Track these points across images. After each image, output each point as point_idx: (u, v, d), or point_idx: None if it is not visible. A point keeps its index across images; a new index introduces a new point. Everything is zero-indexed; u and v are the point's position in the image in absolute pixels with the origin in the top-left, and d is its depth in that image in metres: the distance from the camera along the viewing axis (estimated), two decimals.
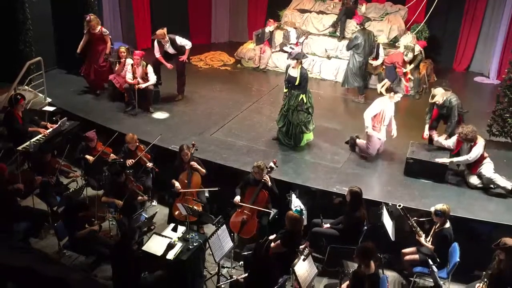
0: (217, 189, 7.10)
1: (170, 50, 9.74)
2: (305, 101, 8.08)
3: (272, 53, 12.09)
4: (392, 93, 8.02)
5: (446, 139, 7.71)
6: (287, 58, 8.44)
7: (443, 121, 7.95)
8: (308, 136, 8.39)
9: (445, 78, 12.02)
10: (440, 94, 7.79)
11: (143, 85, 9.23)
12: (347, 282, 5.58)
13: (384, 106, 7.90)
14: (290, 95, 8.10)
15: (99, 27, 9.80)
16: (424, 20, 11.87)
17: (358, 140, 8.19)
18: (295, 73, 7.95)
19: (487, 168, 7.21)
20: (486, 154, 7.31)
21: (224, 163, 7.76)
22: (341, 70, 11.56)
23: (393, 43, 11.51)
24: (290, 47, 11.53)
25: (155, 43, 9.78)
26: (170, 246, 5.93)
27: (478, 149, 7.15)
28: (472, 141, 7.17)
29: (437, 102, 7.80)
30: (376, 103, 7.98)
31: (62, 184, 7.71)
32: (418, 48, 10.90)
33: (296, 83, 7.94)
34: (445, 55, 12.78)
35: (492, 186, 7.23)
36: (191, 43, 9.84)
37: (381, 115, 7.90)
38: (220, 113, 9.57)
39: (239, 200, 6.92)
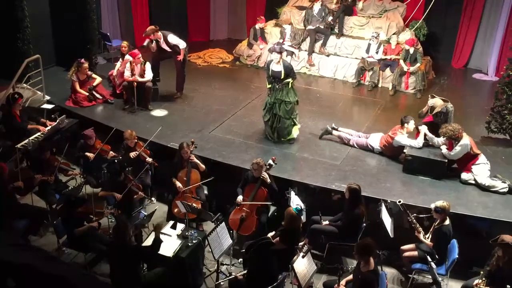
0: (212, 178, 7.09)
1: (164, 46, 9.71)
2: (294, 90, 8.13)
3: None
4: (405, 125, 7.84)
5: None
6: (271, 53, 8.40)
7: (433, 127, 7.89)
8: (296, 130, 8.38)
9: (444, 76, 12.06)
10: (439, 106, 7.85)
11: (140, 79, 9.19)
12: (346, 279, 5.60)
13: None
14: (276, 88, 8.04)
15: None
16: (423, 17, 11.88)
17: (358, 139, 8.24)
18: (279, 67, 7.97)
19: (481, 174, 7.19)
20: (478, 151, 7.28)
21: (223, 160, 7.76)
22: (339, 67, 11.57)
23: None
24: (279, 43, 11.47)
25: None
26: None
27: (459, 147, 7.19)
28: (457, 140, 7.20)
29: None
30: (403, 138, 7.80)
31: (61, 182, 7.71)
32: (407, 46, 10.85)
33: (282, 77, 7.94)
34: (444, 52, 12.78)
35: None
36: (184, 43, 9.73)
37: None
38: (219, 111, 9.56)
39: (241, 200, 6.93)
